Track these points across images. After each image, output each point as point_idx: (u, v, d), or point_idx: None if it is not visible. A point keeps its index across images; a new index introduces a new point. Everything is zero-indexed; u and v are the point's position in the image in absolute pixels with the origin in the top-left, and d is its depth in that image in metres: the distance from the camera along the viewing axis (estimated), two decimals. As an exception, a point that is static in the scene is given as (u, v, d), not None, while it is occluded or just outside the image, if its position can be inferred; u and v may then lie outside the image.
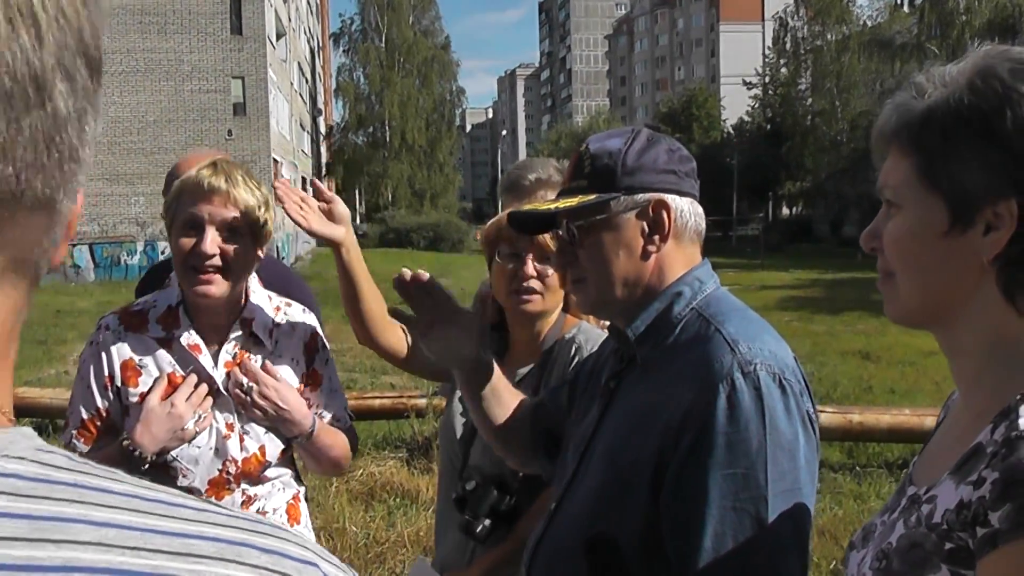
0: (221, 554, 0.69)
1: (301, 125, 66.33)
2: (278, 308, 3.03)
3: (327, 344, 3.13)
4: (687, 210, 2.06)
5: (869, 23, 64.07)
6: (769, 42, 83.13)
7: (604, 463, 2.02)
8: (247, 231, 2.74)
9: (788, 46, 73.83)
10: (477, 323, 2.44)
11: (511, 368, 2.97)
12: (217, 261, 2.70)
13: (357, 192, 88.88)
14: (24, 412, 10.10)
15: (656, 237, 2.03)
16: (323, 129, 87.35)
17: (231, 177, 2.71)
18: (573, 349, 2.87)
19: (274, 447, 2.88)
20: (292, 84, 60.28)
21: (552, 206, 2.07)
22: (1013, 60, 1.41)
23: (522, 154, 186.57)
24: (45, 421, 10.11)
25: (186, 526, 0.70)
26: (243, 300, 2.91)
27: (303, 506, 3.10)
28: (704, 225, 2.13)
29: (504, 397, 2.49)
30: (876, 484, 8.66)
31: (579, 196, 2.04)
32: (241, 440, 2.83)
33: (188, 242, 2.70)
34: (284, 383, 2.85)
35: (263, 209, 2.76)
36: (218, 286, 2.72)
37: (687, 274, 2.05)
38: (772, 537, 1.79)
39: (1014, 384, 1.37)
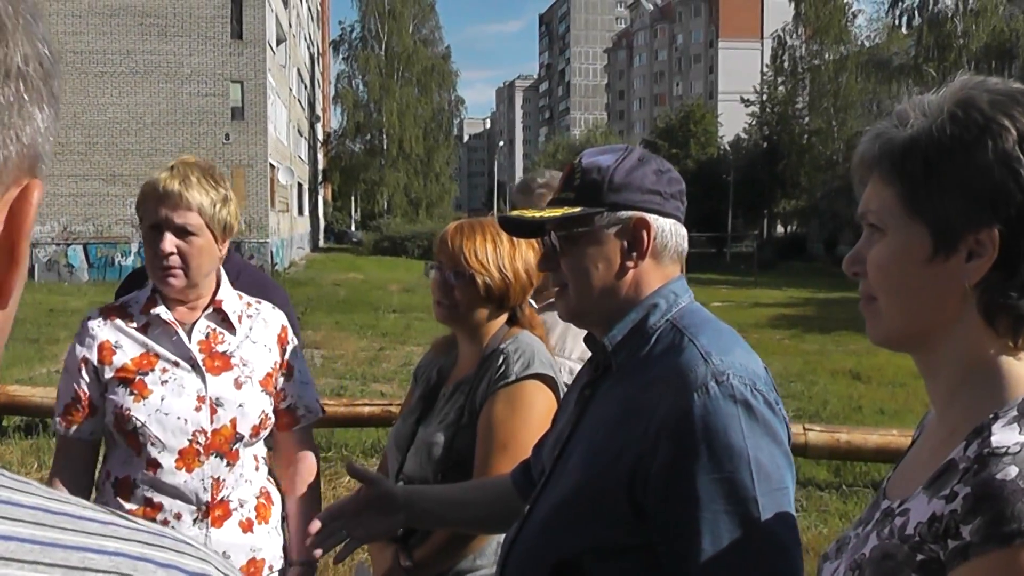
0: (117, 568, 0.68)
1: (299, 131, 66.32)
2: (249, 304, 3.21)
3: (298, 340, 3.30)
4: (668, 231, 2.11)
5: (867, 43, 63.96)
6: (767, 60, 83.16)
7: (578, 470, 2.06)
8: (204, 228, 2.92)
9: (786, 64, 73.86)
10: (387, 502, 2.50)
11: (456, 376, 3.11)
12: (176, 260, 2.92)
13: (353, 199, 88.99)
14: (15, 410, 10.11)
15: (634, 254, 2.09)
16: (320, 136, 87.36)
17: (186, 179, 2.89)
18: (500, 359, 2.93)
19: (245, 422, 2.99)
20: (291, 90, 60.28)
21: (538, 215, 2.13)
22: (992, 91, 1.44)
23: (519, 165, 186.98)
24: (36, 420, 10.14)
25: (87, 540, 0.69)
26: (214, 289, 3.10)
27: (276, 510, 3.19)
28: (686, 245, 2.19)
29: (456, 503, 2.61)
30: (862, 503, 8.63)
31: (565, 207, 2.10)
32: (213, 411, 2.95)
33: (152, 242, 2.91)
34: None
35: (219, 206, 2.94)
36: (179, 279, 2.94)
37: (663, 287, 2.11)
38: (768, 536, 1.84)
39: (988, 403, 1.41)
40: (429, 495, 2.60)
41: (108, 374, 2.94)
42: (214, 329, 3.06)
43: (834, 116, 65.08)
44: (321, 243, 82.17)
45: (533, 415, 2.84)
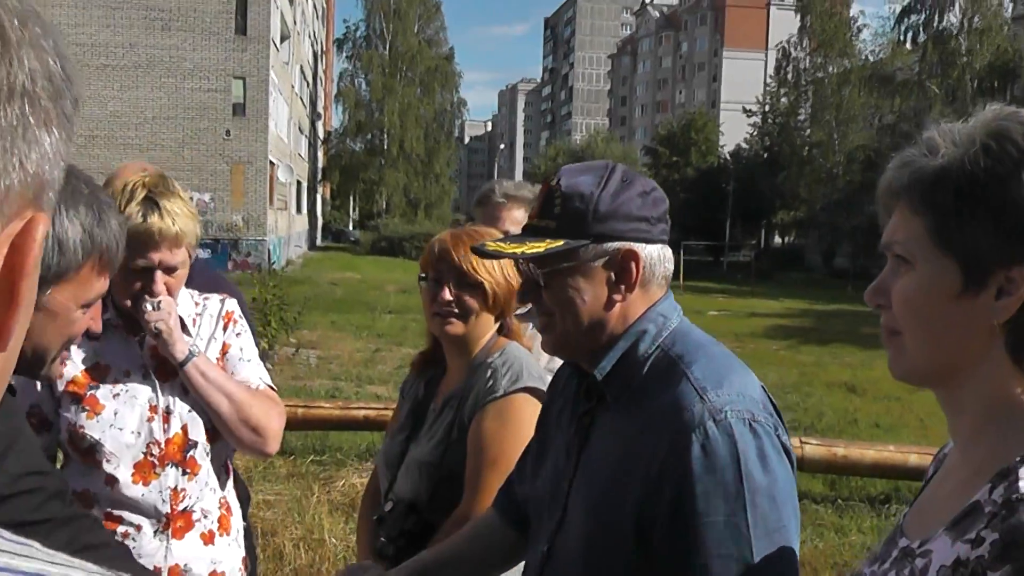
0: None
1: (300, 129, 66.37)
2: (197, 303, 3.16)
3: (245, 323, 3.23)
4: (656, 258, 2.05)
5: (871, 58, 64.21)
6: (771, 71, 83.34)
7: (586, 514, 2.02)
8: (187, 257, 2.91)
9: (790, 76, 73.95)
10: None
11: (444, 390, 3.07)
12: (164, 294, 2.85)
13: (352, 198, 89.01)
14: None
15: (623, 287, 2.02)
16: (321, 134, 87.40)
17: (174, 215, 2.80)
18: (489, 373, 2.91)
19: (196, 427, 2.93)
20: (293, 87, 60.33)
21: (519, 250, 2.01)
22: None
23: (519, 168, 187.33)
24: None
25: None
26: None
27: (235, 520, 3.13)
28: (672, 267, 2.12)
29: (453, 562, 2.51)
30: (857, 518, 8.70)
31: (547, 240, 2.00)
32: (165, 420, 2.89)
33: (137, 285, 2.84)
34: (175, 312, 2.92)
35: (196, 223, 2.90)
36: (168, 306, 2.88)
37: (650, 310, 2.06)
38: None
39: (1014, 444, 1.38)
40: (423, 567, 2.50)
41: (60, 387, 2.88)
42: None
43: (835, 129, 65.09)
44: (318, 242, 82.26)
45: (523, 429, 2.79)
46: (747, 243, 79.85)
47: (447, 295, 2.92)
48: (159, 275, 2.81)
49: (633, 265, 2.00)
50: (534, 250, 1.99)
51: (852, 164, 61.31)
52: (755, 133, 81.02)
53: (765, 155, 77.54)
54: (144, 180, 2.83)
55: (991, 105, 1.49)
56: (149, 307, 2.82)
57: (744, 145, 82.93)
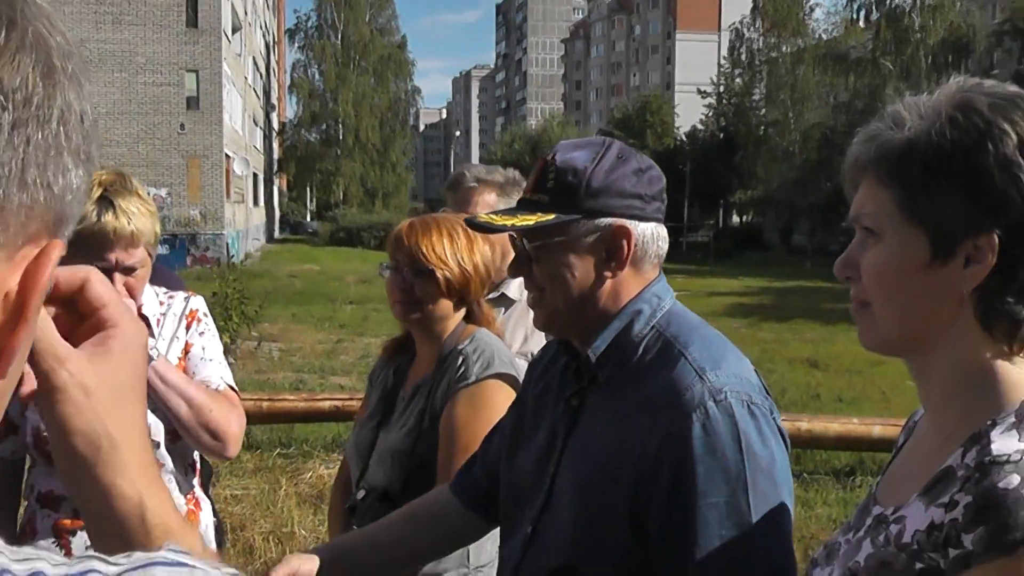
0: None
1: (254, 120, 66.06)
2: (162, 303, 3.11)
3: (210, 322, 3.18)
4: (650, 236, 2.01)
5: (824, 36, 64.59)
6: (725, 52, 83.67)
7: (577, 495, 1.99)
8: (147, 257, 2.84)
9: (743, 57, 74.28)
10: None
11: (414, 378, 3.07)
12: (124, 295, 2.77)
13: (309, 190, 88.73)
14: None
15: (613, 264, 1.99)
16: (276, 125, 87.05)
17: (130, 215, 2.74)
18: (460, 360, 2.90)
19: (158, 428, 2.89)
20: (246, 79, 60.02)
21: (509, 222, 1.99)
22: (991, 95, 1.42)
23: (475, 155, 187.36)
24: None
25: None
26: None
27: (204, 515, 3.11)
28: (666, 247, 2.09)
29: (389, 545, 2.41)
30: (823, 491, 8.77)
31: (539, 213, 1.98)
32: None
33: None
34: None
35: (154, 222, 2.84)
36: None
37: (644, 291, 2.03)
38: (763, 562, 1.82)
39: (985, 408, 1.41)
40: (353, 548, 2.43)
41: (24, 390, 2.81)
42: None
43: (791, 108, 65.44)
44: (276, 234, 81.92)
45: (495, 415, 2.77)
46: (706, 223, 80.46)
47: (399, 282, 2.94)
48: (117, 277, 2.76)
49: (625, 242, 1.97)
50: (524, 223, 1.97)
51: (808, 143, 61.69)
52: (710, 114, 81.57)
53: (721, 136, 78.04)
54: (100, 178, 2.77)
55: (955, 77, 1.51)
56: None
57: (700, 126, 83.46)
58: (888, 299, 1.50)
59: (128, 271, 2.78)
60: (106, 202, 2.72)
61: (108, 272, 2.72)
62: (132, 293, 2.82)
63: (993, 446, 1.32)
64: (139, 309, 2.95)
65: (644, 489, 1.85)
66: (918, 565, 1.35)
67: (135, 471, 1.02)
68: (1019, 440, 1.33)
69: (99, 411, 1.00)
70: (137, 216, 2.75)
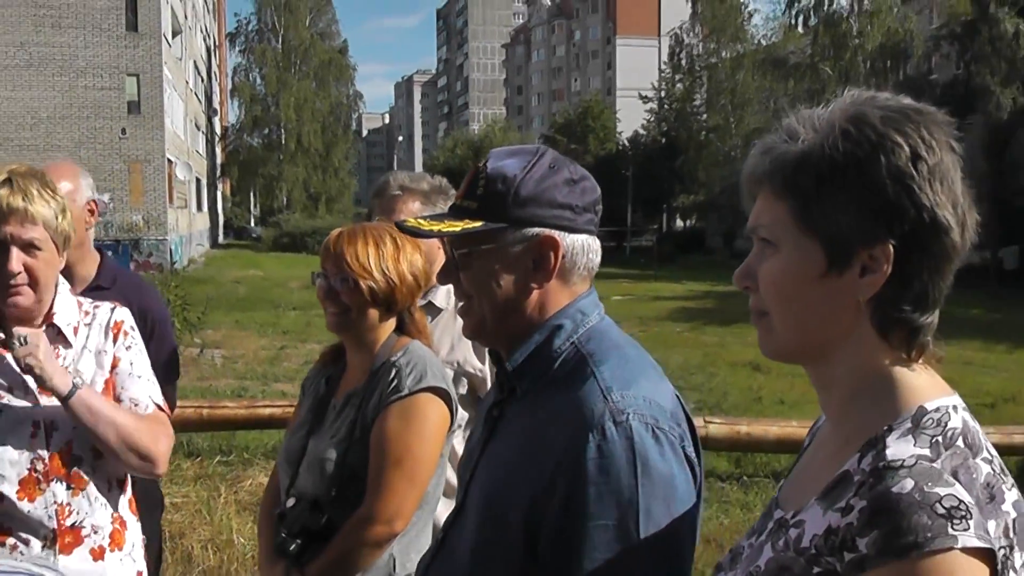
0: None
1: (196, 125, 65.43)
2: (87, 312, 3.07)
3: (137, 335, 3.14)
4: (579, 248, 1.96)
5: (764, 42, 64.94)
6: (665, 57, 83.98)
7: (481, 506, 1.97)
8: (49, 242, 2.82)
9: (683, 62, 74.68)
10: None
11: (346, 387, 3.07)
12: (23, 278, 2.78)
13: (252, 195, 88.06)
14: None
15: (540, 274, 1.95)
16: (218, 130, 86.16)
17: (28, 193, 2.76)
18: (392, 372, 2.91)
19: (81, 442, 2.86)
20: (188, 83, 59.46)
21: (435, 228, 1.95)
22: (883, 107, 1.45)
23: (418, 160, 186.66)
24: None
25: None
26: (51, 303, 2.95)
27: (131, 534, 3.06)
28: (598, 260, 2.03)
29: None
30: (763, 493, 8.79)
31: (466, 220, 1.94)
32: (48, 436, 2.83)
33: None
34: (46, 344, 2.81)
35: (60, 217, 2.84)
36: (27, 297, 2.81)
37: (570, 305, 1.98)
38: None
39: (882, 415, 1.43)
40: None
41: None
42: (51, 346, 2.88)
43: (731, 113, 65.88)
44: (220, 239, 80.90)
45: (427, 428, 2.83)
46: (649, 228, 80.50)
47: (330, 291, 2.95)
48: (15, 251, 2.75)
49: (552, 253, 1.93)
50: (451, 229, 1.93)
51: (749, 147, 60.42)
52: (652, 119, 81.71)
53: (663, 140, 78.16)
54: (14, 167, 2.83)
55: (849, 91, 1.54)
56: (16, 343, 2.73)
57: (642, 131, 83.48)
58: (785, 309, 1.52)
59: (26, 248, 2.77)
60: (6, 181, 2.76)
61: (4, 245, 2.74)
62: (33, 275, 2.79)
63: (888, 451, 1.35)
64: (51, 318, 2.92)
65: (538, 506, 1.81)
66: (816, 569, 1.36)
67: None
68: (914, 445, 1.36)
69: None
70: (37, 199, 2.77)
